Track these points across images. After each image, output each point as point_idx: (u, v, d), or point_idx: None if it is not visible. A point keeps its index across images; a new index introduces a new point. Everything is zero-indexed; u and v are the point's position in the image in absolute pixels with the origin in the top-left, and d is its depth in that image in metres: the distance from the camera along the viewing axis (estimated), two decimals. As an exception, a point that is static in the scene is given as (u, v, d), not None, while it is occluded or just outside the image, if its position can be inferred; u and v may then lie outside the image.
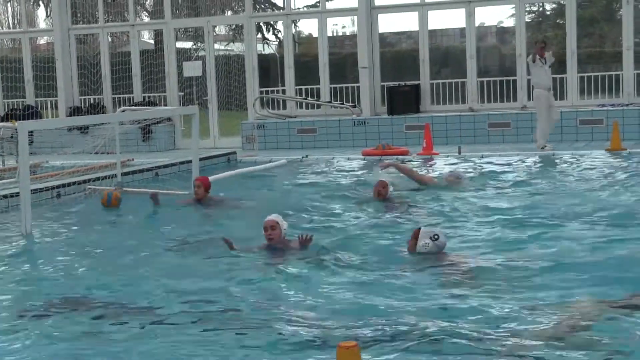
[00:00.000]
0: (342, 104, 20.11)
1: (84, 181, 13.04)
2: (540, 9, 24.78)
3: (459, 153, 16.16)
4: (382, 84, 19.95)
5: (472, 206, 10.44)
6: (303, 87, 20.61)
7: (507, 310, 5.93)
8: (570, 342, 5.16)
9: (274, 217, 8.15)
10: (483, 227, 9.15)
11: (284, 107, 20.72)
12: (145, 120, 16.35)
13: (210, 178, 13.22)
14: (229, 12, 24.15)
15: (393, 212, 10.08)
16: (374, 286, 6.77)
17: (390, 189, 10.71)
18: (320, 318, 5.93)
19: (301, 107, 20.60)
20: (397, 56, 22.48)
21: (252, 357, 5.25)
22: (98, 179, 13.25)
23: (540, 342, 5.15)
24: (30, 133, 9.84)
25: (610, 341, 5.16)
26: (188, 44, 24.09)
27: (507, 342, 5.23)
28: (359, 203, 10.80)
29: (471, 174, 13.15)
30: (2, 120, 20.16)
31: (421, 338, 5.33)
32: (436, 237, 7.55)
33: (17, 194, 10.27)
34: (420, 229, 7.73)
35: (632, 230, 8.54)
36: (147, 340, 5.59)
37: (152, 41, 24.35)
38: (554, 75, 19.38)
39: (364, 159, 16.34)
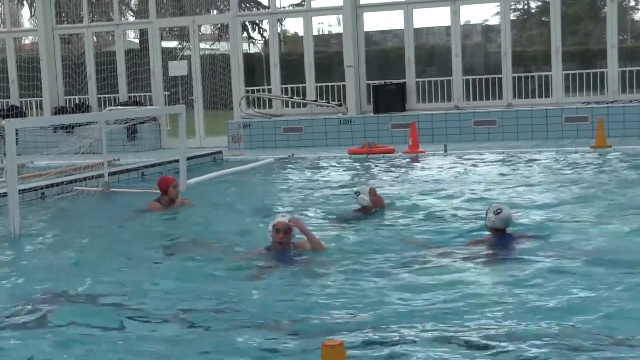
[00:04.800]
0: (328, 102, 20.12)
1: (70, 182, 13.00)
2: (525, 6, 24.85)
3: (445, 151, 16.21)
4: (368, 82, 19.96)
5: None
6: (289, 86, 20.61)
7: (498, 310, 5.95)
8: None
9: (287, 219, 7.67)
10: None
11: (270, 106, 20.71)
12: (131, 119, 16.33)
13: (195, 179, 13.22)
14: (214, 12, 24.09)
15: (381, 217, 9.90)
16: (360, 286, 6.77)
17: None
18: (306, 317, 5.94)
19: (287, 106, 20.60)
20: (383, 55, 22.49)
21: (236, 356, 5.25)
22: (85, 179, 13.20)
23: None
24: (15, 133, 9.75)
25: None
26: (173, 44, 24.02)
27: (497, 339, 5.26)
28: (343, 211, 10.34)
29: None
30: (-13, 121, 20.02)
31: (407, 337, 5.35)
32: (499, 211, 7.64)
33: (4, 195, 10.19)
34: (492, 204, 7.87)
35: None
36: (136, 339, 5.59)
37: (137, 40, 24.27)
38: (539, 73, 19.49)
39: (350, 158, 16.40)
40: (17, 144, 9.84)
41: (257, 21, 29.50)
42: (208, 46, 25.12)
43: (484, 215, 7.90)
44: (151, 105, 20.95)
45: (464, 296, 6.27)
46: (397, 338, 5.34)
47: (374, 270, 7.25)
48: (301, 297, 6.53)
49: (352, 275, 7.10)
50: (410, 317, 5.79)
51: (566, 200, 10.39)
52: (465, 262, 7.29)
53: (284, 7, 21.94)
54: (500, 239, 7.71)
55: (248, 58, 22.82)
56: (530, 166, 14.07)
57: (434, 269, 7.19)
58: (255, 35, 30.82)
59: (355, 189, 10.27)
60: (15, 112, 20.96)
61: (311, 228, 8.16)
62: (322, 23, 25.23)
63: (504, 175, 13.26)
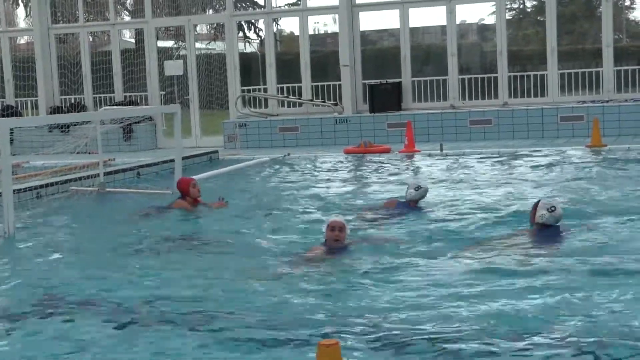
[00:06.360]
0: (324, 102, 20.12)
1: (65, 181, 12.97)
2: (521, 6, 24.85)
3: (441, 150, 16.22)
4: (364, 81, 19.98)
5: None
6: (285, 86, 20.61)
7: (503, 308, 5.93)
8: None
9: (341, 218, 7.96)
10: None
11: (266, 106, 20.71)
12: (127, 119, 16.32)
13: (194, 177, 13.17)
14: (210, 11, 24.08)
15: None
16: (361, 285, 6.77)
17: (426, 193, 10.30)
18: (305, 317, 5.94)
19: (283, 105, 20.61)
20: (379, 54, 22.49)
21: (232, 355, 5.25)
22: (80, 179, 13.17)
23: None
24: (11, 132, 9.72)
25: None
26: (169, 43, 24.02)
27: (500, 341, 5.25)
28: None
29: None
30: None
31: (404, 338, 5.34)
32: (553, 209, 7.82)
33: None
34: (539, 200, 8.02)
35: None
36: (132, 341, 5.58)
37: (133, 40, 24.27)
38: (535, 73, 19.50)
39: (346, 157, 16.40)
40: (12, 143, 9.83)
41: (252, 21, 29.51)
42: (204, 46, 25.12)
43: (529, 211, 8.04)
44: (147, 105, 20.94)
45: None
46: (394, 338, 5.36)
47: (407, 266, 7.27)
48: (333, 294, 6.53)
49: (392, 271, 7.10)
50: (422, 317, 5.78)
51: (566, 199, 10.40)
52: (511, 256, 7.27)
53: (279, 7, 21.93)
54: (545, 231, 7.81)
55: (244, 57, 22.84)
56: (526, 165, 14.08)
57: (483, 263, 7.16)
58: (251, 34, 30.83)
59: (415, 182, 10.23)
60: (11, 112, 20.97)
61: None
62: (317, 22, 25.19)
63: (499, 173, 13.28)
